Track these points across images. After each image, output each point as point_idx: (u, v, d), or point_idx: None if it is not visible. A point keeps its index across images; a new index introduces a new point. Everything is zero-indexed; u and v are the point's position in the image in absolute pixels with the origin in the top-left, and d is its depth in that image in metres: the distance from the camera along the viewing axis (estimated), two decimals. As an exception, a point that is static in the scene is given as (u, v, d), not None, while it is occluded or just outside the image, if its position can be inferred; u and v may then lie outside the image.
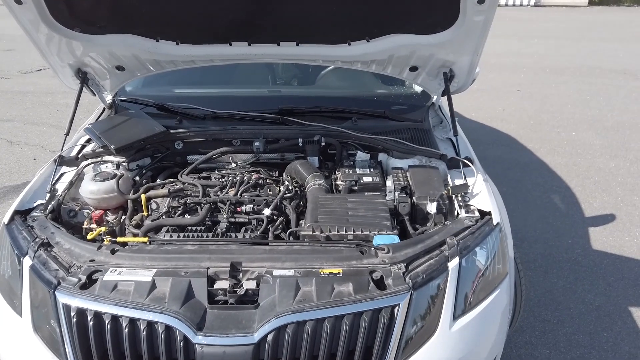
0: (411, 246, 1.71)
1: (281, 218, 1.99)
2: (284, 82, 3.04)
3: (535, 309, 2.86)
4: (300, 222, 1.99)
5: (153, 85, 2.94)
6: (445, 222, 1.95)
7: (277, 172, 2.37)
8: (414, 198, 2.04)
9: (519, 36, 12.96)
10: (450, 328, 1.61)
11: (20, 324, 1.66)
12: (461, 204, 2.00)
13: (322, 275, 1.58)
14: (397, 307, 1.53)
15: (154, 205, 2.13)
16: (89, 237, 1.88)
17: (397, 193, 2.06)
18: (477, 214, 1.94)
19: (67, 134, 2.29)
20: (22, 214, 1.98)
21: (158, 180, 2.30)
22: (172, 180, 2.24)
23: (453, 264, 1.67)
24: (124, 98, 2.71)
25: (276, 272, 1.60)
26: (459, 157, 2.23)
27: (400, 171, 2.21)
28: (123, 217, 2.09)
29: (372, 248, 1.70)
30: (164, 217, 2.03)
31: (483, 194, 2.04)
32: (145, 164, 2.40)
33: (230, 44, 2.28)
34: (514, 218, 3.73)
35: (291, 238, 1.88)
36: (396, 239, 1.76)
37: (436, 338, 1.59)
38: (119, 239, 1.78)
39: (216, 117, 2.54)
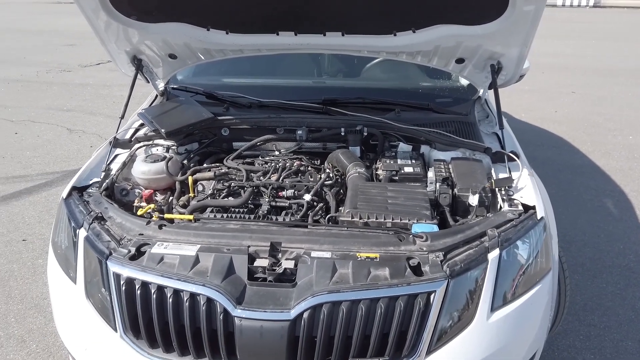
0: (450, 235, 1.70)
1: (321, 204, 2.02)
2: (328, 73, 3.07)
3: (581, 312, 2.76)
4: (340, 208, 2.01)
5: (203, 75, 3.04)
6: (488, 215, 1.92)
7: (318, 161, 2.41)
8: (455, 190, 2.01)
9: (575, 37, 12.43)
10: (488, 319, 1.59)
11: (74, 291, 1.78)
12: (504, 197, 1.96)
13: (359, 258, 1.60)
14: (433, 294, 1.53)
15: (200, 188, 2.21)
16: (138, 213, 1.98)
17: (438, 184, 2.05)
18: (520, 207, 1.89)
19: (122, 117, 2.41)
20: (79, 190, 2.11)
21: (204, 164, 2.39)
22: (217, 164, 2.32)
23: (493, 255, 1.65)
24: (175, 86, 2.83)
25: (314, 254, 1.63)
26: (504, 151, 2.18)
27: (442, 163, 2.19)
28: (171, 198, 2.18)
29: (410, 235, 1.70)
30: (208, 198, 2.10)
31: (528, 188, 1.99)
32: (193, 149, 2.49)
33: (277, 34, 2.33)
34: (562, 220, 3.61)
35: (330, 223, 1.91)
36: (435, 229, 1.75)
37: (472, 328, 1.57)
38: (166, 216, 1.87)
39: (261, 106, 2.61)
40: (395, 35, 2.27)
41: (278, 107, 2.58)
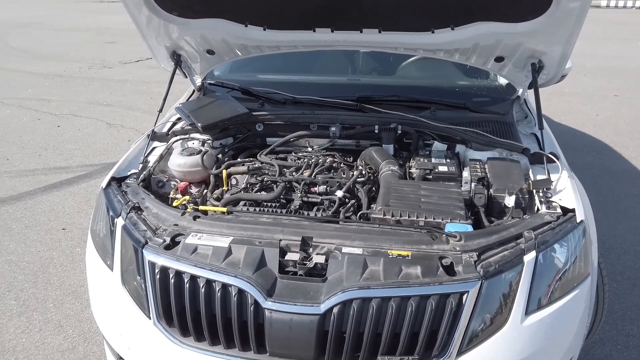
0: (485, 236, 1.66)
1: (352, 201, 2.01)
2: (363, 71, 3.05)
3: (619, 322, 2.65)
4: (372, 206, 2.00)
5: (239, 71, 3.08)
6: (525, 217, 1.87)
7: (351, 158, 2.40)
8: (491, 190, 1.97)
9: (620, 39, 11.96)
10: (522, 323, 1.55)
11: (111, 278, 1.84)
12: (542, 199, 1.91)
13: (391, 256, 1.59)
14: (465, 295, 1.50)
15: (233, 181, 2.24)
16: (174, 204, 2.03)
17: (473, 184, 2.01)
18: (559, 210, 1.84)
19: (160, 111, 2.47)
20: (118, 180, 2.17)
21: (238, 159, 2.42)
22: (251, 159, 2.35)
23: (529, 257, 1.60)
24: (212, 81, 2.88)
25: (345, 249, 1.62)
26: (543, 152, 2.12)
27: (478, 163, 2.15)
28: (205, 190, 2.22)
29: (444, 235, 1.67)
30: (242, 192, 2.13)
31: (567, 191, 1.93)
32: (228, 143, 2.53)
33: (314, 30, 2.34)
34: (602, 227, 3.47)
35: (361, 220, 1.90)
36: (469, 229, 1.72)
37: (505, 331, 1.54)
38: (200, 208, 1.91)
39: (296, 102, 2.62)
40: (433, 32, 2.24)
41: (312, 104, 2.59)
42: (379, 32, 2.29)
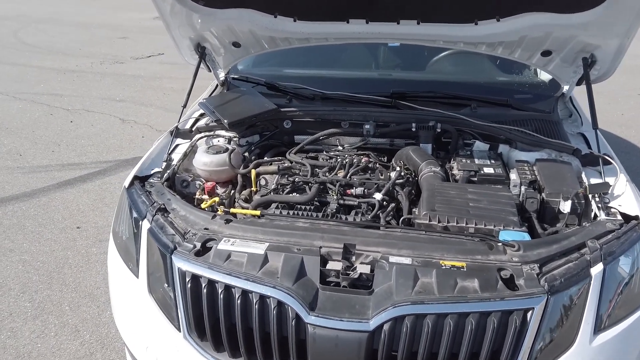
0: (545, 246, 1.52)
1: (392, 204, 1.87)
2: (394, 65, 2.90)
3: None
4: (413, 210, 1.86)
5: (262, 65, 2.94)
6: (584, 224, 1.72)
7: (385, 158, 2.26)
8: (543, 194, 1.83)
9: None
10: (591, 343, 1.41)
11: (136, 285, 1.71)
12: (600, 205, 1.76)
13: (444, 267, 1.45)
14: (530, 312, 1.36)
15: (262, 182, 2.11)
16: (203, 206, 1.90)
17: (523, 187, 1.86)
18: (619, 217, 1.69)
19: (185, 106, 2.34)
20: (141, 179, 2.04)
21: (265, 157, 2.29)
22: (280, 158, 2.22)
23: (596, 270, 1.46)
24: (235, 76, 2.74)
25: (392, 259, 1.49)
26: (598, 153, 1.97)
27: (525, 164, 2.00)
28: (232, 191, 2.09)
29: (500, 244, 1.53)
30: (272, 193, 2.00)
31: (627, 196, 1.78)
32: (254, 141, 2.40)
33: (348, 22, 2.20)
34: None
35: (404, 225, 1.76)
36: (526, 237, 1.58)
37: (574, 352, 1.40)
38: (232, 210, 1.78)
39: (325, 98, 2.48)
40: (476, 24, 2.09)
41: (342, 100, 2.45)
42: (418, 23, 2.14)
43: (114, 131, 5.65)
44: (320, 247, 1.55)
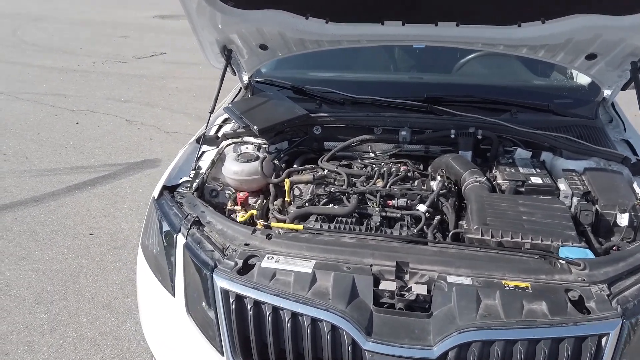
0: (611, 264, 1.43)
1: (438, 216, 1.78)
2: (425, 68, 2.80)
3: None
4: (460, 223, 1.77)
5: (284, 68, 2.84)
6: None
7: (421, 166, 2.17)
8: (596, 206, 1.74)
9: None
10: (667, 370, 1.32)
11: (173, 304, 1.62)
12: None
13: (507, 287, 1.36)
14: (605, 337, 1.27)
15: (296, 191, 2.01)
16: (239, 219, 1.80)
17: (575, 199, 1.78)
18: None
19: (212, 112, 2.24)
20: (170, 189, 1.95)
21: (294, 165, 2.20)
22: (313, 166, 2.12)
23: (668, 290, 1.37)
24: (259, 79, 2.64)
25: (450, 279, 1.40)
26: (651, 161, 1.89)
27: (574, 174, 1.91)
28: (264, 201, 1.99)
29: (563, 261, 1.44)
30: (307, 204, 1.90)
31: (688, 209, 1.69)
32: (283, 148, 2.30)
33: (383, 24, 2.11)
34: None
35: (440, 239, 1.68)
36: (589, 254, 1.49)
37: (650, 379, 1.31)
38: (273, 225, 1.68)
39: (356, 103, 2.39)
40: (519, 26, 2.00)
41: (374, 105, 2.35)
42: (457, 25, 2.05)
43: (121, 133, 5.54)
44: (371, 265, 1.45)
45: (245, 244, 1.57)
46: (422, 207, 1.79)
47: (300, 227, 1.65)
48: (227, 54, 2.30)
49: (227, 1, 2.02)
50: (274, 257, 1.51)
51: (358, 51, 2.82)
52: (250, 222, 1.83)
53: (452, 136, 2.12)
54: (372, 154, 2.26)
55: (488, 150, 2.17)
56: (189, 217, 1.73)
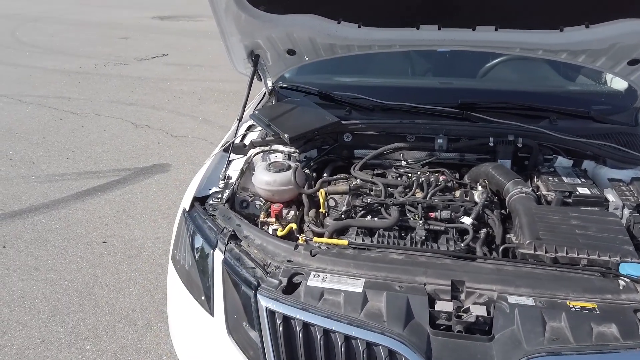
0: None
1: (484, 230, 1.71)
2: (453, 72, 2.73)
3: None
4: (507, 236, 1.70)
5: (309, 73, 2.75)
6: None
7: (457, 174, 2.10)
8: (649, 218, 1.67)
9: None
10: None
11: (212, 324, 1.54)
12: None
13: (573, 309, 1.29)
14: (682, 363, 1.20)
15: (331, 202, 1.94)
16: (279, 233, 1.72)
17: (627, 210, 1.71)
18: None
19: (240, 119, 2.16)
20: (200, 200, 1.87)
21: (324, 174, 2.12)
22: (347, 175, 2.05)
23: None
24: (284, 84, 2.56)
25: (511, 299, 1.32)
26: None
27: (622, 184, 1.84)
28: (298, 212, 1.92)
29: (630, 280, 1.37)
30: (343, 216, 1.83)
31: None
32: (313, 156, 2.22)
33: (418, 28, 2.03)
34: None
35: (495, 255, 1.61)
36: (652, 270, 1.42)
37: None
38: (315, 240, 1.60)
39: (386, 109, 2.31)
40: (561, 30, 1.93)
41: (405, 111, 2.28)
42: (496, 29, 1.98)
43: (128, 137, 5.45)
44: (425, 284, 1.38)
45: (288, 261, 1.50)
46: (467, 220, 1.72)
47: (345, 242, 1.57)
48: (255, 59, 2.22)
49: (258, 5, 1.94)
50: (320, 275, 1.43)
51: (381, 55, 2.74)
52: (288, 236, 1.75)
53: (491, 144, 2.05)
54: (403, 162, 2.19)
55: (526, 159, 2.11)
56: (225, 231, 1.65)
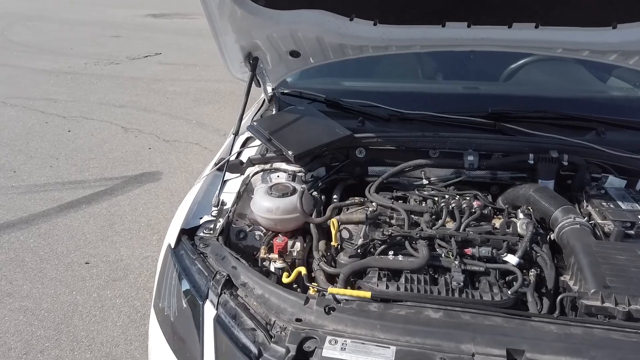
0: None
1: (534, 271, 1.41)
2: (478, 76, 2.42)
3: None
4: (561, 279, 1.40)
5: (311, 76, 2.44)
6: None
7: (489, 196, 1.80)
8: None
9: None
10: None
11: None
12: None
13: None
14: None
15: (344, 234, 1.63)
16: (284, 279, 1.41)
17: None
18: None
19: (236, 134, 1.85)
20: (189, 233, 1.56)
21: (334, 196, 1.82)
22: (361, 199, 1.74)
23: None
24: (285, 90, 2.25)
25: None
26: None
27: (692, 211, 1.55)
28: (302, 245, 1.61)
29: None
30: (359, 250, 1.52)
31: None
32: (321, 175, 1.91)
33: (444, 25, 1.73)
34: None
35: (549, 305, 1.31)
36: None
37: None
38: (330, 290, 1.29)
39: (404, 119, 2.01)
40: (614, 27, 1.64)
41: (426, 121, 1.98)
42: (536, 27, 1.68)
43: (117, 142, 5.13)
44: (474, 355, 1.08)
45: (297, 319, 1.19)
46: (512, 259, 1.42)
47: (368, 294, 1.26)
48: (253, 62, 1.91)
49: (257, 0, 1.64)
50: (338, 342, 1.13)
51: (392, 57, 2.43)
52: (296, 282, 1.44)
53: (531, 162, 1.75)
54: (425, 181, 1.89)
55: (569, 177, 1.80)
56: (217, 276, 1.35)
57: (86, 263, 3.09)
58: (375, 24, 1.77)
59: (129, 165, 4.57)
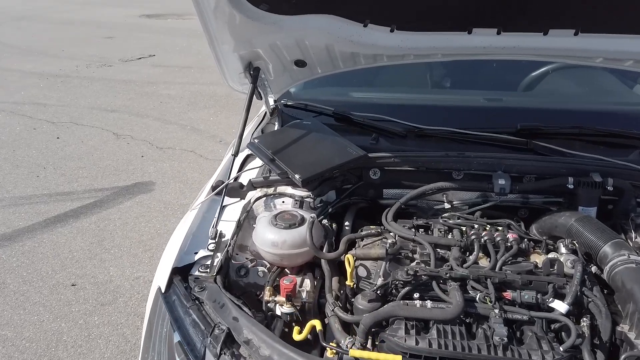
0: None
1: (585, 320, 1.21)
2: (497, 85, 2.22)
3: None
4: (618, 329, 1.20)
5: (315, 86, 2.23)
6: None
7: (522, 225, 1.59)
8: None
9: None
10: None
11: None
12: None
13: None
14: None
15: (361, 271, 1.42)
16: (296, 337, 1.21)
17: None
18: None
19: (236, 154, 1.64)
20: (181, 273, 1.35)
21: (346, 223, 1.61)
22: (378, 229, 1.53)
23: None
24: (289, 102, 2.04)
25: None
26: None
27: None
28: (312, 283, 1.40)
29: None
30: (380, 292, 1.32)
31: None
32: (331, 200, 1.71)
33: (470, 32, 1.53)
34: None
35: None
36: None
37: None
38: (352, 353, 1.08)
39: (422, 135, 1.81)
40: (665, 35, 1.44)
41: (447, 138, 1.78)
42: (575, 34, 1.48)
43: (108, 149, 4.90)
44: None
45: (314, 392, 0.99)
46: (561, 306, 1.21)
47: (398, 357, 1.06)
48: (254, 73, 1.71)
49: (258, 4, 1.43)
50: (365, 421, 0.92)
51: (403, 66, 2.23)
52: (311, 340, 1.23)
53: (570, 186, 1.55)
54: (446, 204, 1.68)
55: (610, 202, 1.61)
56: (216, 330, 1.14)
57: (72, 285, 2.87)
58: (392, 31, 1.57)
59: (121, 175, 4.34)
